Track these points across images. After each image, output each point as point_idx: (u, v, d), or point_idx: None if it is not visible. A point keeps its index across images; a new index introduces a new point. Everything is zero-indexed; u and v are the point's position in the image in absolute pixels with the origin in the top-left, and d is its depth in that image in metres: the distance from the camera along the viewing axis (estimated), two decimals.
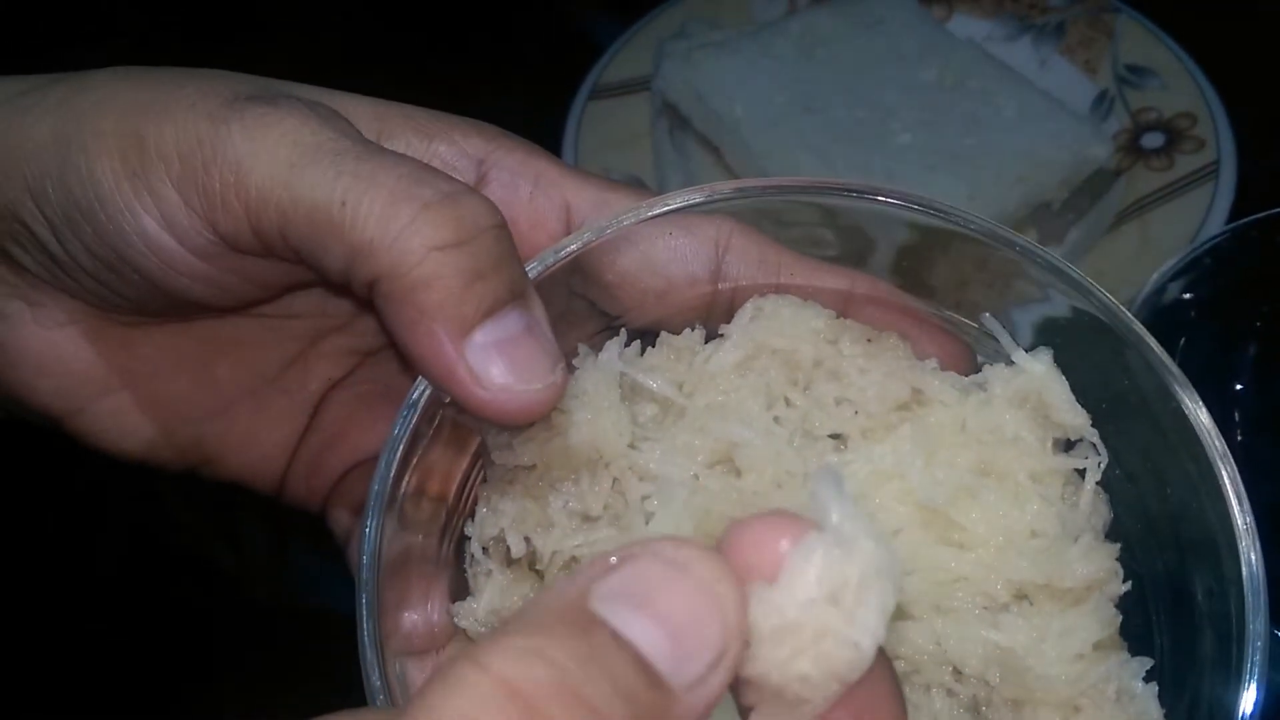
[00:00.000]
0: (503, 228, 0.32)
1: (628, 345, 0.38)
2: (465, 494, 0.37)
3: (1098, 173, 0.76)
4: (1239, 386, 0.65)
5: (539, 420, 0.33)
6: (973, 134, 0.75)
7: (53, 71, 0.37)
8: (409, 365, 0.34)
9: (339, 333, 0.40)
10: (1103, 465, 0.39)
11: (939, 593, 0.38)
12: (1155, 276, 0.61)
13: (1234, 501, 0.39)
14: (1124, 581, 0.39)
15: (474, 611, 0.37)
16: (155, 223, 0.34)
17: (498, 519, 0.36)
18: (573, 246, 0.36)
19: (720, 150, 0.77)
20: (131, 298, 0.36)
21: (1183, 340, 0.63)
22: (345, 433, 0.40)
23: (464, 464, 0.37)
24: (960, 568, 0.38)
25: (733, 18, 0.88)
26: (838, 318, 0.39)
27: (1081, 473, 0.39)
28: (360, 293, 0.32)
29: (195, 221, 0.33)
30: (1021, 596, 0.38)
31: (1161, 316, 0.62)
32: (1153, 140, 0.79)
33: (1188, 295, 0.62)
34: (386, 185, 0.31)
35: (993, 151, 0.74)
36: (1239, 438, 0.66)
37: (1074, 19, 0.87)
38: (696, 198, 0.38)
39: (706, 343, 0.39)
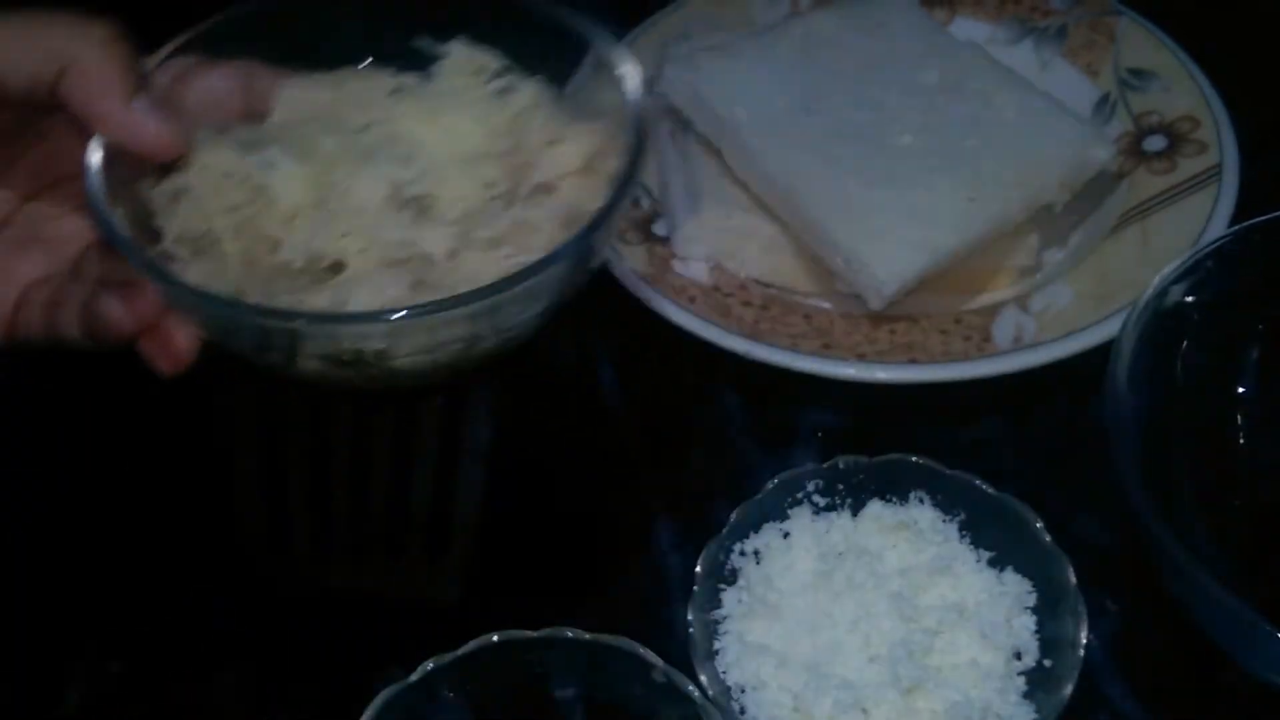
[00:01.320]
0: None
1: None
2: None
3: (1100, 175, 0.76)
4: (1241, 389, 0.66)
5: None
6: (974, 136, 0.75)
7: None
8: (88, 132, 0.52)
9: None
10: None
11: None
12: (1157, 279, 0.61)
13: None
14: None
15: None
16: None
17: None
18: None
19: (722, 151, 0.77)
20: None
21: (1185, 343, 0.63)
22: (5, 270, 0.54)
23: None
24: None
25: (734, 21, 0.88)
26: None
27: None
28: (44, 92, 0.49)
29: None
30: None
31: (1164, 319, 0.62)
32: (1155, 143, 0.79)
33: (1190, 298, 0.62)
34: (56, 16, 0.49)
35: (994, 153, 0.74)
36: (1241, 441, 0.66)
37: (1076, 22, 0.87)
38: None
39: None
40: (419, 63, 0.60)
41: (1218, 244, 0.62)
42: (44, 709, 0.61)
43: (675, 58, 0.80)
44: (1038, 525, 0.60)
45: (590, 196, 0.56)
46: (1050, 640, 0.58)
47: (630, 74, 0.57)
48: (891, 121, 0.76)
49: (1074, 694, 0.55)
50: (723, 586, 0.61)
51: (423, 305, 0.49)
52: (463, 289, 0.50)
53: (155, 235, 0.54)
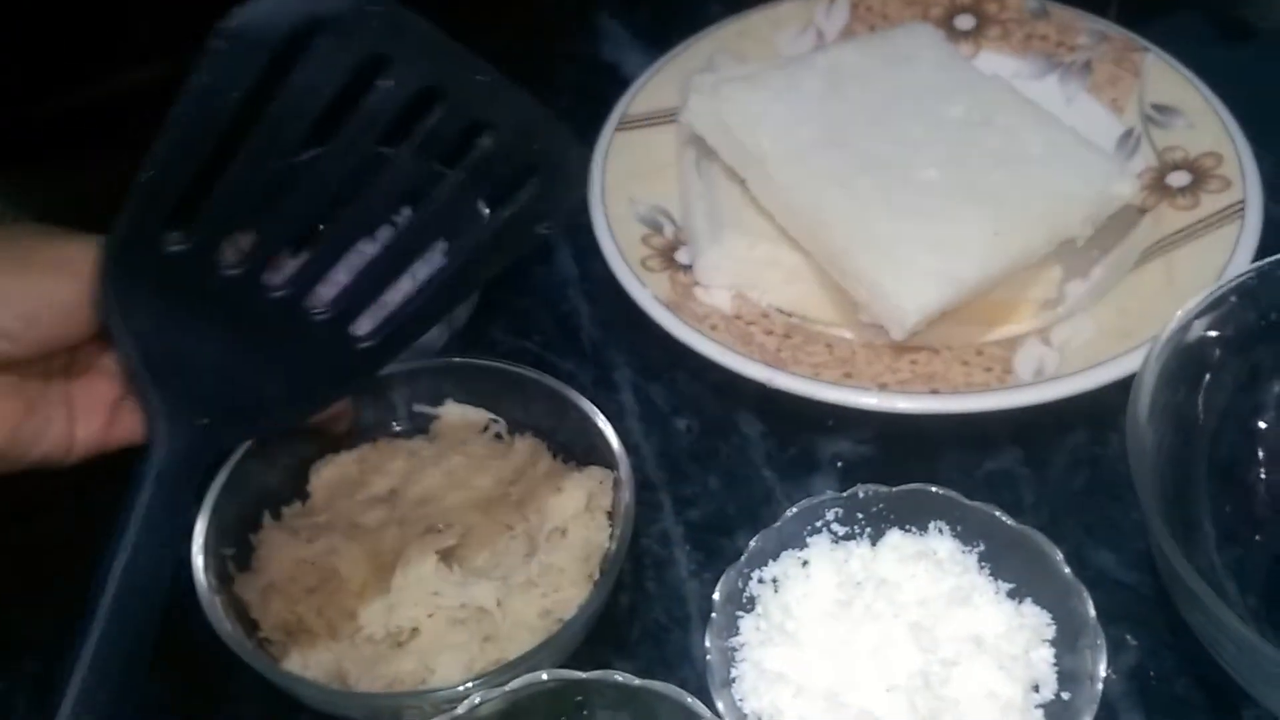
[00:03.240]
0: None
1: None
2: None
3: (1123, 210, 0.76)
4: (1263, 424, 0.65)
5: None
6: (999, 169, 0.75)
7: None
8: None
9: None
10: None
11: None
12: (1180, 314, 0.61)
13: None
14: None
15: None
16: None
17: None
18: None
19: (746, 181, 0.78)
20: None
21: (1207, 377, 0.63)
22: (92, 404, 0.57)
23: None
24: None
25: (760, 52, 0.89)
26: None
27: None
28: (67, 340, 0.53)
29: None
30: None
31: (1186, 354, 0.62)
32: (1179, 179, 0.79)
33: (1212, 333, 0.62)
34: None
35: (1018, 187, 0.74)
36: (1262, 475, 0.66)
37: (1101, 58, 0.87)
38: None
39: None
40: (420, 423, 0.71)
41: (1240, 279, 0.63)
42: None
43: (700, 87, 0.80)
44: (1057, 558, 0.60)
45: (596, 531, 0.65)
46: (1068, 673, 0.58)
47: (608, 429, 0.66)
48: (916, 154, 0.76)
49: None
50: (741, 614, 0.61)
51: (500, 676, 0.57)
52: (516, 633, 0.61)
53: (253, 625, 0.63)
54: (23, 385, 0.54)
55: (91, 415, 0.57)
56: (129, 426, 0.56)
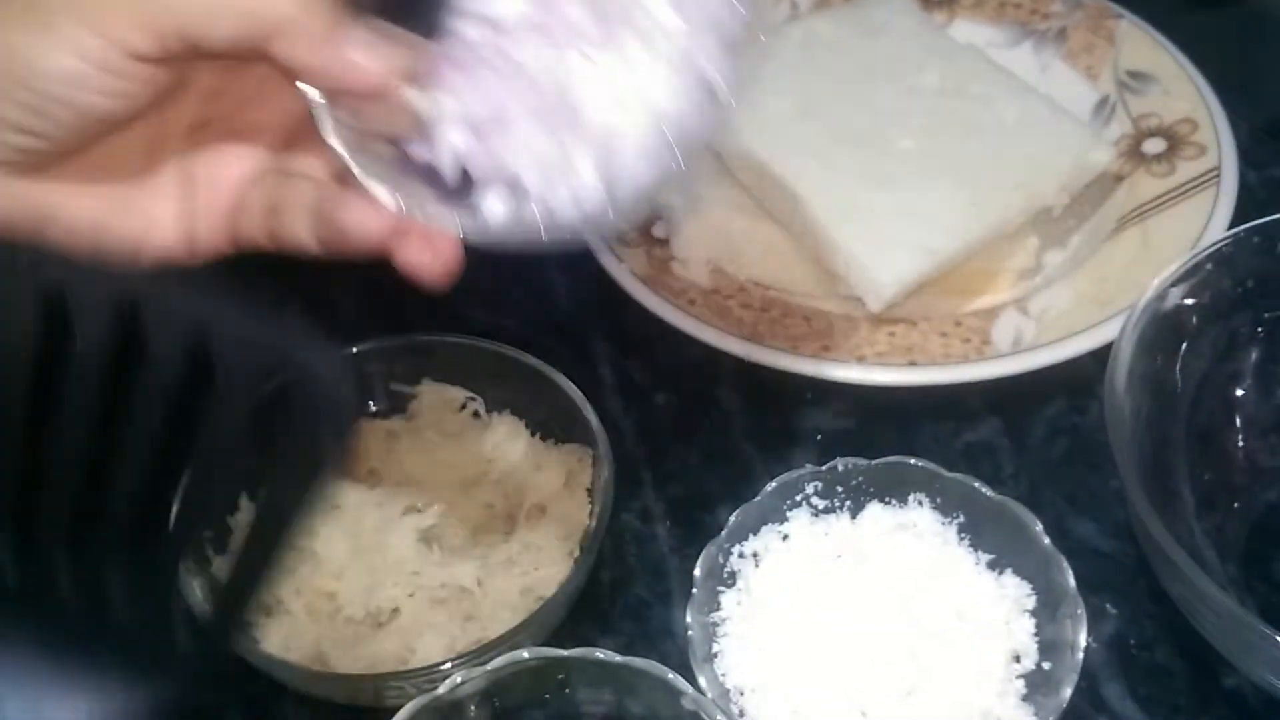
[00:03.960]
0: None
1: None
2: None
3: (1099, 178, 0.76)
4: (1240, 392, 0.66)
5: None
6: (974, 139, 0.75)
7: None
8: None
9: (168, 120, 0.49)
10: None
11: None
12: (1157, 282, 0.61)
13: None
14: None
15: None
16: (74, 58, 0.43)
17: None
18: None
19: (721, 154, 0.78)
20: (55, 137, 0.45)
21: (1184, 345, 0.63)
22: (214, 175, 0.50)
23: None
24: None
25: None
26: None
27: None
28: (247, 51, 0.45)
29: (107, 46, 0.43)
30: None
31: (1163, 322, 0.62)
32: (1154, 146, 0.79)
33: (1189, 301, 0.62)
34: None
35: (994, 157, 0.74)
36: (1240, 442, 0.66)
37: (1076, 25, 0.87)
38: None
39: None
40: (397, 402, 0.70)
41: (1216, 247, 0.63)
42: None
43: None
44: (1037, 528, 0.60)
45: (576, 508, 0.65)
46: (1049, 643, 0.58)
47: (587, 406, 0.65)
48: (891, 125, 0.76)
49: (1073, 697, 0.55)
50: (722, 589, 0.61)
51: (481, 655, 0.57)
52: (497, 611, 0.61)
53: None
54: (106, 172, 0.48)
55: (214, 202, 0.50)
56: (265, 223, 0.50)
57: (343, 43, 0.45)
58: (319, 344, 0.42)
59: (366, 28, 0.45)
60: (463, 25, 0.46)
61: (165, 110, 0.48)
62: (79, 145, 0.46)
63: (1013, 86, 0.79)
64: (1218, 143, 0.77)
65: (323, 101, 0.46)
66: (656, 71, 0.45)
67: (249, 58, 0.45)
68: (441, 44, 0.47)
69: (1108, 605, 0.63)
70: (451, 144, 0.46)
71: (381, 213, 0.46)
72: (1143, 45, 0.84)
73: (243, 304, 0.42)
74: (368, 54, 0.45)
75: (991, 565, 0.61)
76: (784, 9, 0.89)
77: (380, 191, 0.45)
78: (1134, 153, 0.79)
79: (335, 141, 0.46)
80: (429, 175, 0.47)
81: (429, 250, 0.46)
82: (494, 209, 0.46)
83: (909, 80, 0.79)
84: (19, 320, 0.40)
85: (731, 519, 0.62)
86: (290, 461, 0.42)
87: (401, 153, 0.47)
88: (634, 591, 0.66)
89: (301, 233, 0.48)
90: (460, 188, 0.46)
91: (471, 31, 0.46)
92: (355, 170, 0.46)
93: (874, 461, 0.63)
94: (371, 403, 0.70)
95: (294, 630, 0.62)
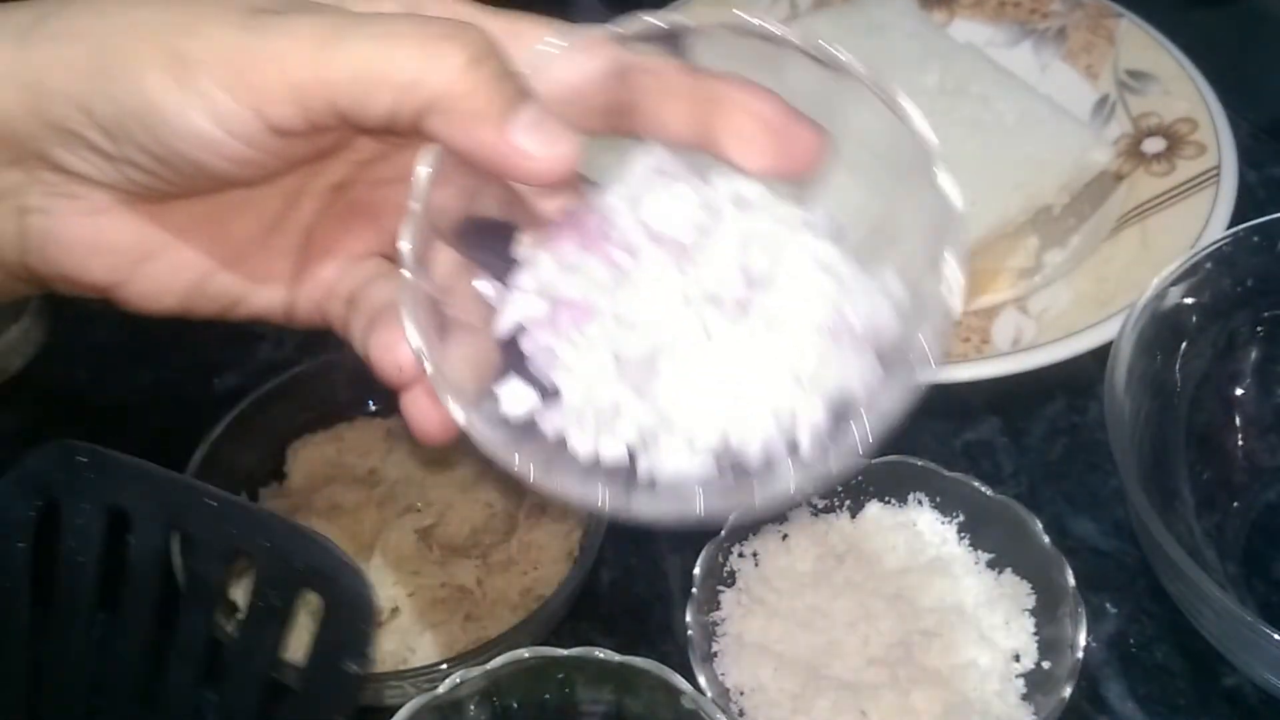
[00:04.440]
0: (495, 44, 0.40)
1: None
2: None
3: (1099, 177, 0.76)
4: (1240, 391, 0.66)
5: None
6: (974, 139, 0.75)
7: None
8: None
9: (314, 175, 0.46)
10: None
11: None
12: (1156, 281, 0.61)
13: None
14: None
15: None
16: (208, 121, 0.39)
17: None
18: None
19: None
20: (175, 184, 0.42)
21: (1184, 345, 0.63)
22: (330, 248, 0.46)
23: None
24: None
25: None
26: None
27: None
28: (405, 127, 0.40)
29: (246, 115, 0.39)
30: None
31: (1163, 321, 0.62)
32: (1154, 145, 0.79)
33: (1189, 300, 0.62)
34: (406, 34, 0.39)
35: (994, 156, 0.74)
36: (1240, 442, 0.66)
37: (1076, 24, 0.87)
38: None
39: None
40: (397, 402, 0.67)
41: (1216, 246, 0.63)
42: None
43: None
44: (1037, 527, 0.60)
45: (576, 508, 0.64)
46: (1049, 642, 0.58)
47: None
48: None
49: (1072, 696, 0.55)
50: (722, 588, 0.61)
51: (481, 655, 0.57)
52: (497, 611, 0.62)
53: (231, 606, 0.61)
54: (226, 220, 0.45)
55: (320, 273, 0.47)
56: (340, 310, 0.46)
57: (511, 123, 0.39)
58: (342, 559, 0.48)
59: (537, 107, 0.40)
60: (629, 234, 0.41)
61: (314, 168, 0.45)
62: (202, 192, 0.43)
63: (1012, 86, 0.79)
64: (1217, 142, 0.77)
65: (411, 276, 0.40)
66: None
67: (404, 134, 0.41)
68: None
69: (1108, 604, 0.63)
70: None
71: (402, 358, 0.42)
72: (1142, 44, 0.84)
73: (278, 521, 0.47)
74: (539, 137, 0.39)
75: (991, 564, 0.61)
76: (783, 8, 0.89)
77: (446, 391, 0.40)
78: (1134, 152, 0.79)
79: (410, 324, 0.40)
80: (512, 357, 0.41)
81: (433, 413, 0.42)
82: (612, 449, 0.40)
83: (908, 80, 0.79)
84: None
85: (730, 518, 0.62)
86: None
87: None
88: (634, 592, 0.66)
89: (357, 335, 0.45)
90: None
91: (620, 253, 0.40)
92: (426, 366, 0.40)
93: (874, 460, 0.63)
94: (371, 402, 0.70)
95: (293, 629, 0.62)
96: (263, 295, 0.46)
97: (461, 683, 0.54)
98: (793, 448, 0.39)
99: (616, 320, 0.40)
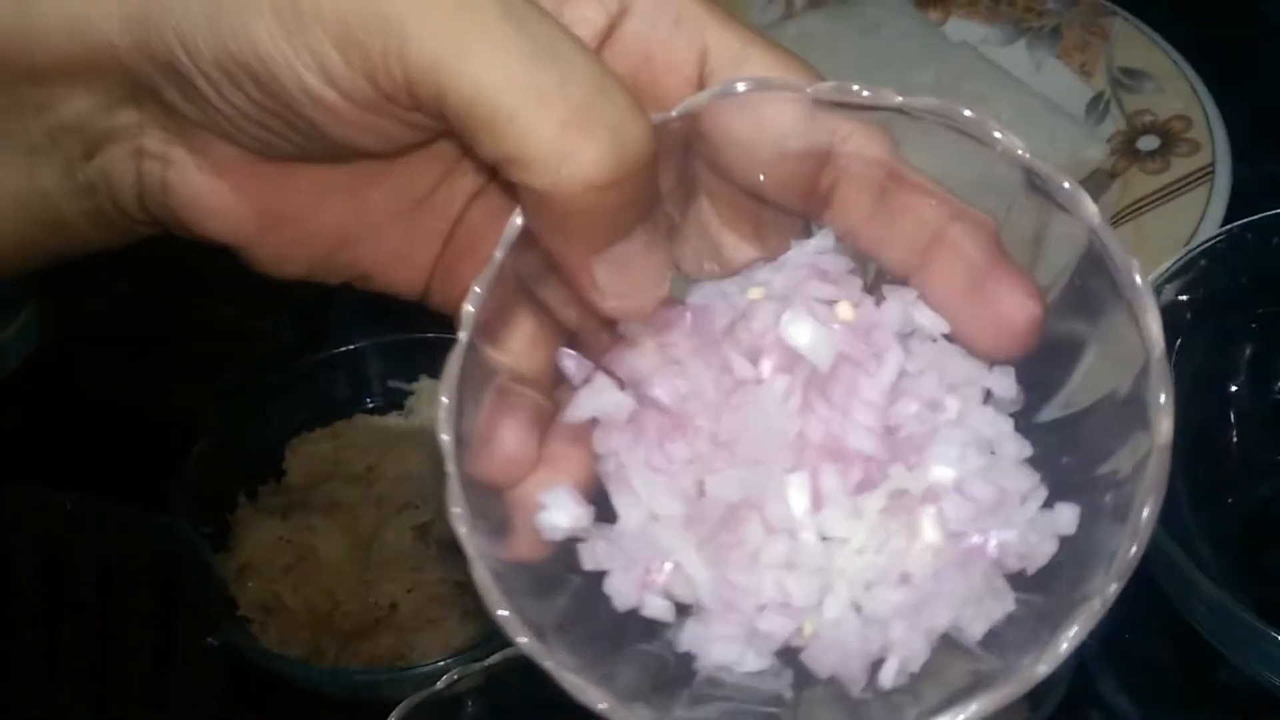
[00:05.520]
0: (655, 159, 0.33)
1: None
2: None
3: (1093, 175, 0.77)
4: (1234, 388, 0.66)
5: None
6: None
7: None
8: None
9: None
10: None
11: None
12: (1150, 278, 0.61)
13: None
14: None
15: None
16: (318, 79, 0.33)
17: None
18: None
19: None
20: (295, 143, 0.36)
21: (1179, 342, 0.63)
22: (476, 245, 0.40)
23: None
24: None
25: None
26: None
27: None
28: (502, 180, 0.34)
29: (358, 80, 0.33)
30: None
31: None
32: (1148, 143, 0.79)
33: (1183, 297, 0.62)
34: (555, 105, 0.31)
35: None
36: (1234, 438, 0.66)
37: (1070, 23, 0.87)
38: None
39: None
40: (395, 399, 0.71)
41: (1210, 243, 0.63)
42: None
43: None
44: None
45: None
46: None
47: None
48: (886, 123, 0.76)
49: (1067, 691, 0.56)
50: None
51: (479, 651, 0.57)
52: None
53: (231, 604, 0.62)
54: (365, 191, 0.40)
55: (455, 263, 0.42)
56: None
57: (597, 262, 0.34)
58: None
59: (642, 243, 0.34)
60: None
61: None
62: (338, 159, 0.38)
63: (1007, 84, 0.79)
64: (1211, 139, 0.77)
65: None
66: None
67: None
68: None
69: None
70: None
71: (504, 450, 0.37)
72: (1136, 42, 0.84)
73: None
74: (622, 284, 0.34)
75: None
76: (779, 7, 0.89)
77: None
78: (1128, 150, 0.79)
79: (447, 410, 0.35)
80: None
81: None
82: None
83: (903, 78, 0.79)
84: None
85: None
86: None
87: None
88: None
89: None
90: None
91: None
92: (449, 468, 0.35)
93: None
94: (369, 400, 0.70)
95: (293, 626, 0.62)
96: (399, 276, 0.41)
97: (459, 679, 0.54)
98: (873, 669, 0.31)
99: (712, 446, 0.32)
